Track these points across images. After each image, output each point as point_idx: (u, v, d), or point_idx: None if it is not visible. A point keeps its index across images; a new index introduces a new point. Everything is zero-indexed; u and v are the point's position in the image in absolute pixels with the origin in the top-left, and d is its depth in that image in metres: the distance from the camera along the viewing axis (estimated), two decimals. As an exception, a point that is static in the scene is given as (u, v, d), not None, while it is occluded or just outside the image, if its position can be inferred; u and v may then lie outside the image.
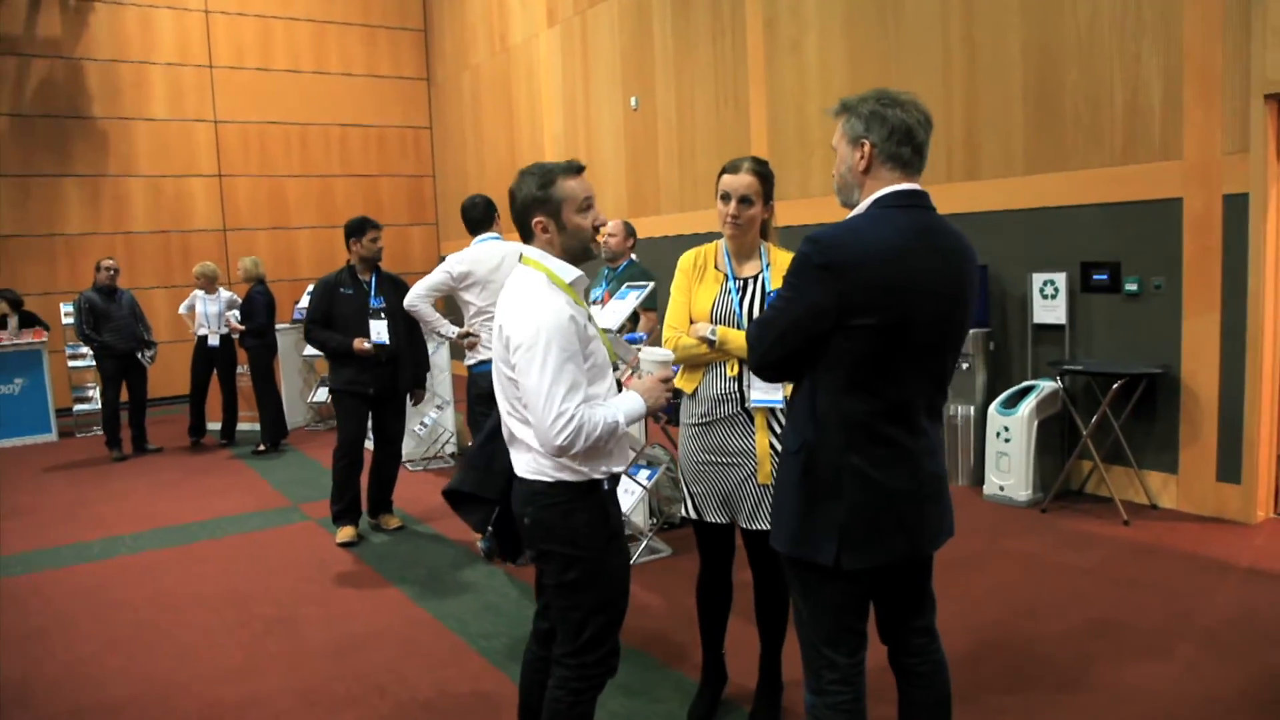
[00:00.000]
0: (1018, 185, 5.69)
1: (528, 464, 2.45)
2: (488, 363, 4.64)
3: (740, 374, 2.87)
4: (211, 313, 8.29)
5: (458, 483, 2.60)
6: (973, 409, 5.75)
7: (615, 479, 2.51)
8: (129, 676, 3.71)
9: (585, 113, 9.55)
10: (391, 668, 3.67)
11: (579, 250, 2.45)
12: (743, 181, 2.86)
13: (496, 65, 11.17)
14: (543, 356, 2.24)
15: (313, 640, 3.98)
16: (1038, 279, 5.59)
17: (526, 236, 2.44)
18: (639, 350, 2.61)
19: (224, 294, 8.42)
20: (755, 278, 2.92)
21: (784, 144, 7.17)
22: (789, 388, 2.69)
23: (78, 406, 9.51)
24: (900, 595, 2.27)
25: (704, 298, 2.93)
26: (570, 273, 2.43)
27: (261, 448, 8.15)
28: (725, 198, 2.89)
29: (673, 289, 3.07)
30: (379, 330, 5.14)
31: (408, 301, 4.86)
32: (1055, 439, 5.44)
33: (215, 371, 8.38)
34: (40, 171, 10.58)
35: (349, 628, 4.08)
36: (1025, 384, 5.54)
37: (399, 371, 5.31)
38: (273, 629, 4.12)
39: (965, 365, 5.75)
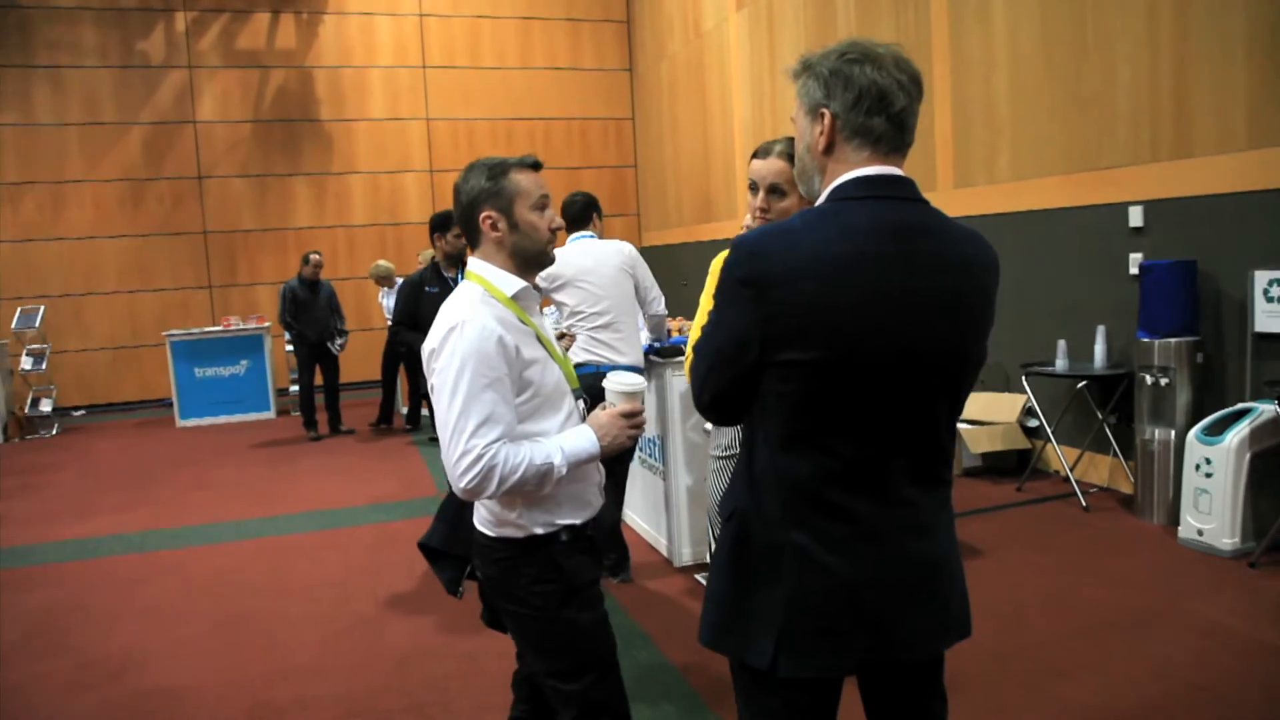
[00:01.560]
0: (1238, 163, 4.67)
1: (477, 513, 2.17)
2: (585, 366, 4.39)
3: None
4: (391, 305, 8.65)
5: (427, 536, 2.34)
6: (1172, 433, 4.81)
7: (577, 531, 2.17)
8: (207, 663, 3.80)
9: (772, 97, 9.07)
10: (443, 686, 3.51)
11: (532, 253, 2.12)
12: (773, 168, 2.39)
13: (690, 53, 10.89)
14: (454, 382, 1.93)
15: (385, 645, 3.90)
16: (1261, 278, 4.56)
17: (473, 239, 2.14)
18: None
19: (403, 287, 8.75)
20: None
21: (968, 122, 6.39)
22: None
23: (293, 388, 10.30)
24: (889, 710, 1.72)
25: None
26: (513, 284, 2.11)
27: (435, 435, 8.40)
28: (753, 187, 2.45)
29: (702, 296, 2.66)
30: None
31: None
32: (1274, 477, 4.42)
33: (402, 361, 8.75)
34: (275, 171, 11.53)
35: (422, 637, 3.97)
36: (1239, 406, 4.53)
37: None
38: (355, 628, 4.10)
39: (1165, 381, 4.82)
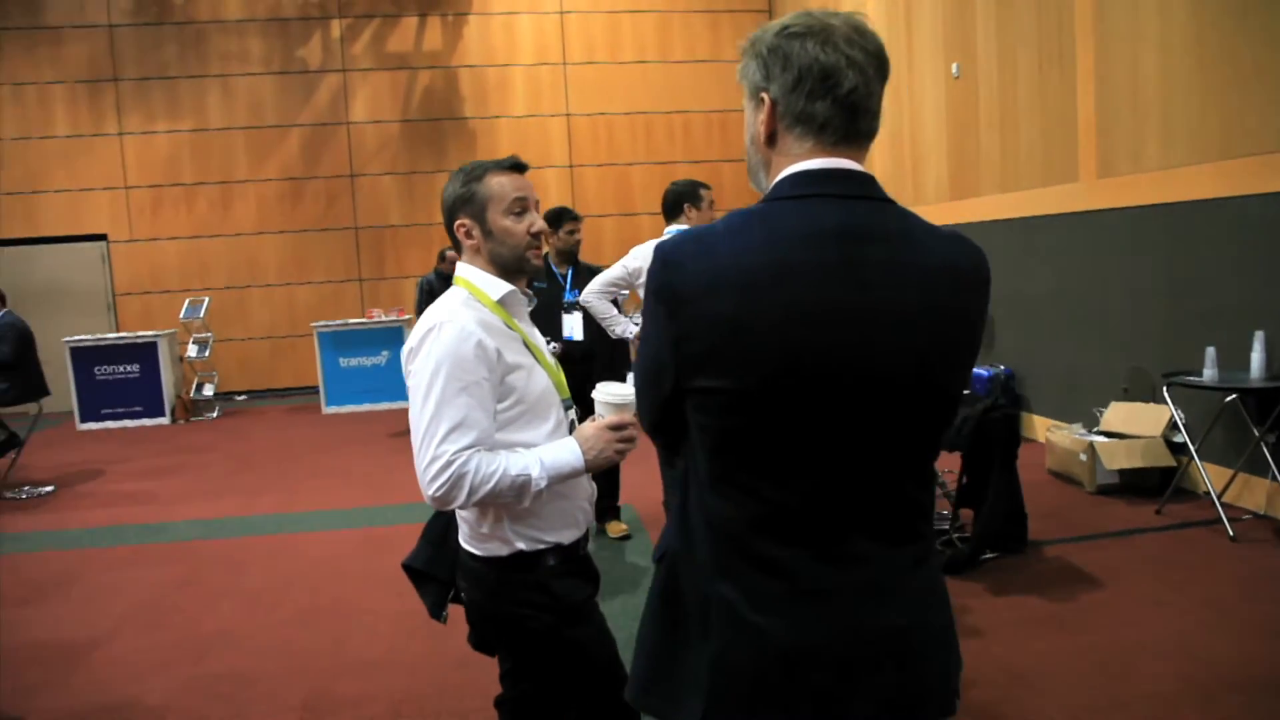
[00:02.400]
0: None
1: (461, 530, 2.09)
2: None
3: None
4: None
5: (411, 557, 2.27)
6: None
7: (566, 552, 2.04)
8: (282, 650, 3.90)
9: (908, 85, 8.60)
10: (490, 694, 3.45)
11: (509, 261, 2.01)
12: None
13: (831, 40, 10.50)
14: (428, 385, 1.85)
15: (450, 646, 3.87)
16: None
17: (457, 246, 2.06)
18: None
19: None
20: None
21: (1113, 106, 5.81)
22: None
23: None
24: None
25: None
26: (499, 288, 2.01)
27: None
28: None
29: None
30: (571, 325, 4.94)
31: (583, 297, 4.63)
32: None
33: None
34: (421, 169, 11.91)
35: (489, 635, 3.94)
36: None
37: (593, 369, 5.09)
38: (426, 626, 4.06)
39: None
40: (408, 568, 2.26)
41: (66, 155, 11.52)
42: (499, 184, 1.98)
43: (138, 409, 10.37)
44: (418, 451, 1.86)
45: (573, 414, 2.11)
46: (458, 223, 2.00)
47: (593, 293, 4.58)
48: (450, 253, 8.75)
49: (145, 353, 10.38)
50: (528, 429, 1.97)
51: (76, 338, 10.36)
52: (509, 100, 11.99)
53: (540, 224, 2.02)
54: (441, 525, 2.17)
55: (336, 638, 4.00)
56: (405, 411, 6.46)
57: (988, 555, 4.46)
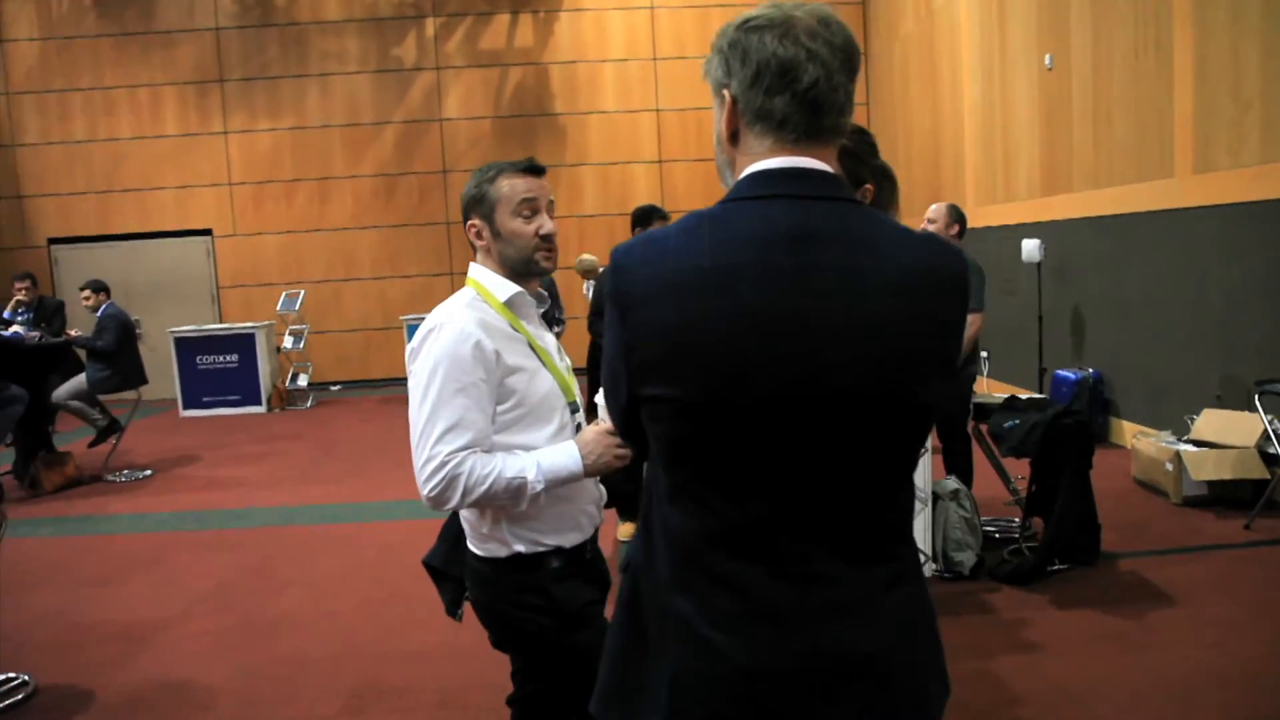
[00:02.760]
0: None
1: (465, 530, 2.10)
2: None
3: None
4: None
5: (430, 555, 2.29)
6: None
7: (569, 555, 2.03)
8: (340, 637, 4.01)
9: (1001, 77, 8.29)
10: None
11: (517, 262, 2.01)
12: None
13: (922, 32, 10.20)
14: (425, 385, 1.88)
15: (497, 637, 3.95)
16: None
17: (473, 247, 2.07)
18: None
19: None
20: None
21: (1213, 97, 5.47)
22: None
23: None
24: None
25: None
26: (506, 289, 2.02)
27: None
28: None
29: None
30: None
31: None
32: None
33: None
34: (511, 165, 12.09)
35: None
36: None
37: None
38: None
39: None
40: (427, 565, 2.29)
41: (176, 154, 12.09)
42: (510, 185, 1.98)
43: (236, 397, 10.82)
44: (415, 451, 1.88)
45: (579, 418, 2.10)
46: (469, 223, 2.02)
47: None
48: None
49: (244, 343, 10.82)
50: (529, 431, 1.96)
51: (180, 328, 10.87)
52: (599, 96, 12.05)
53: (549, 226, 2.00)
54: (458, 524, 2.19)
55: (390, 627, 4.10)
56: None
57: (1056, 566, 4.28)
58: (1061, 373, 7.08)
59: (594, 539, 2.12)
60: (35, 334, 7.48)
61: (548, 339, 2.12)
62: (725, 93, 1.27)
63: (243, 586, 4.73)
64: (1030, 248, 7.13)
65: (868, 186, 2.10)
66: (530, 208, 1.98)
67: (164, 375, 10.89)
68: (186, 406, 10.81)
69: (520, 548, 1.97)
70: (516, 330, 1.99)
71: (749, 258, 1.18)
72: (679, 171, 12.15)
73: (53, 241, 12.34)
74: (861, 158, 2.09)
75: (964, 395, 4.83)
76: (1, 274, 10.87)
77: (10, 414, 7.03)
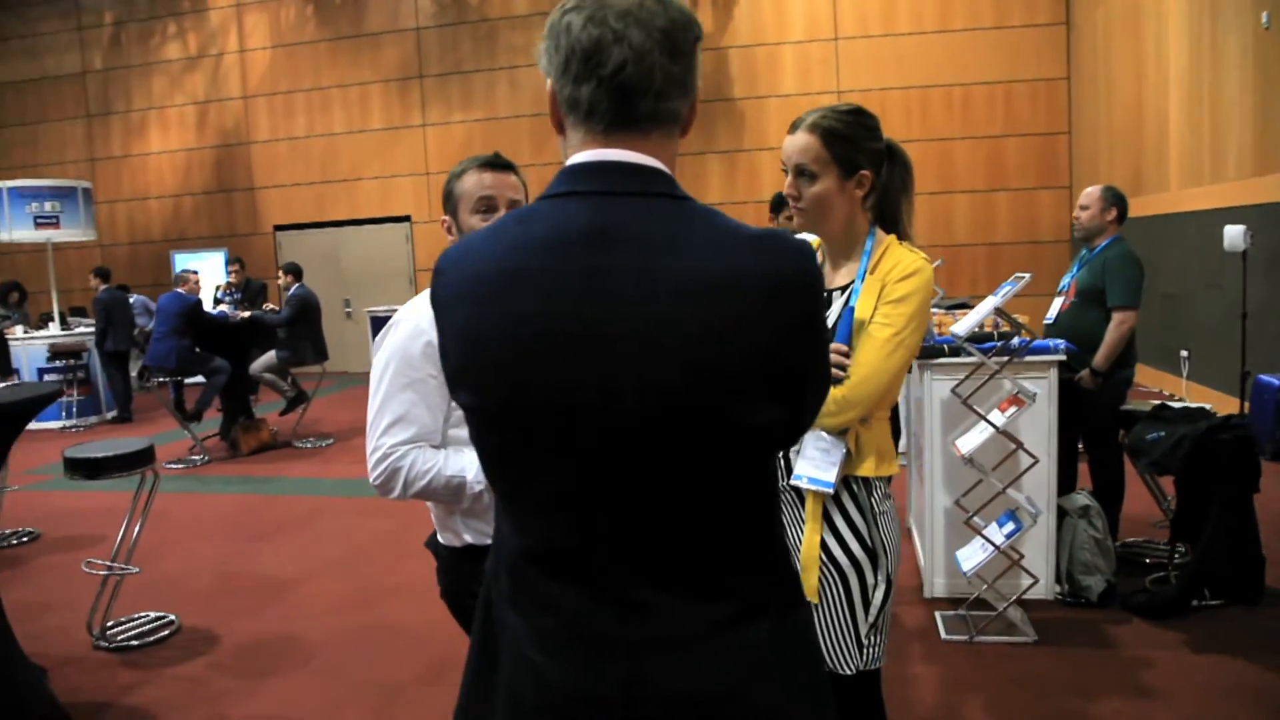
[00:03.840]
0: None
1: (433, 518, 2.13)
2: None
3: None
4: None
5: (431, 537, 2.34)
6: None
7: None
8: (435, 609, 4.18)
9: (1211, 42, 7.40)
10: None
11: None
12: (798, 144, 1.97)
13: (1129, -3, 9.28)
14: (378, 379, 1.95)
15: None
16: None
17: None
18: None
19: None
20: (845, 289, 2.03)
21: None
22: (855, 465, 1.94)
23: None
24: None
25: None
26: None
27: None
28: (786, 171, 2.06)
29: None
30: None
31: None
32: None
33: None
34: (690, 150, 12.09)
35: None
36: None
37: None
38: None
39: None
40: (429, 546, 2.35)
41: (380, 146, 12.96)
42: (472, 182, 1.99)
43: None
44: (367, 441, 1.93)
45: None
46: (443, 218, 2.04)
47: None
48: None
49: (433, 324, 11.47)
50: None
51: (375, 308, 11.68)
52: (778, 79, 11.82)
53: None
54: None
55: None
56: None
57: (1205, 601, 3.80)
58: (1266, 378, 6.27)
59: None
60: (240, 313, 8.28)
61: None
62: (549, 83, 1.20)
63: (372, 553, 5.03)
64: (1233, 235, 6.33)
65: (864, 173, 1.95)
66: (487, 204, 1.98)
67: (363, 352, 11.77)
68: (382, 382, 11.59)
69: (469, 538, 2.00)
70: None
71: (539, 261, 1.11)
72: (862, 155, 11.72)
73: (277, 228, 13.58)
74: (854, 141, 1.94)
75: (1113, 402, 4.38)
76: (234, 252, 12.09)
77: (215, 383, 7.83)
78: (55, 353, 9.53)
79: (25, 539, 5.56)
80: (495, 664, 1.29)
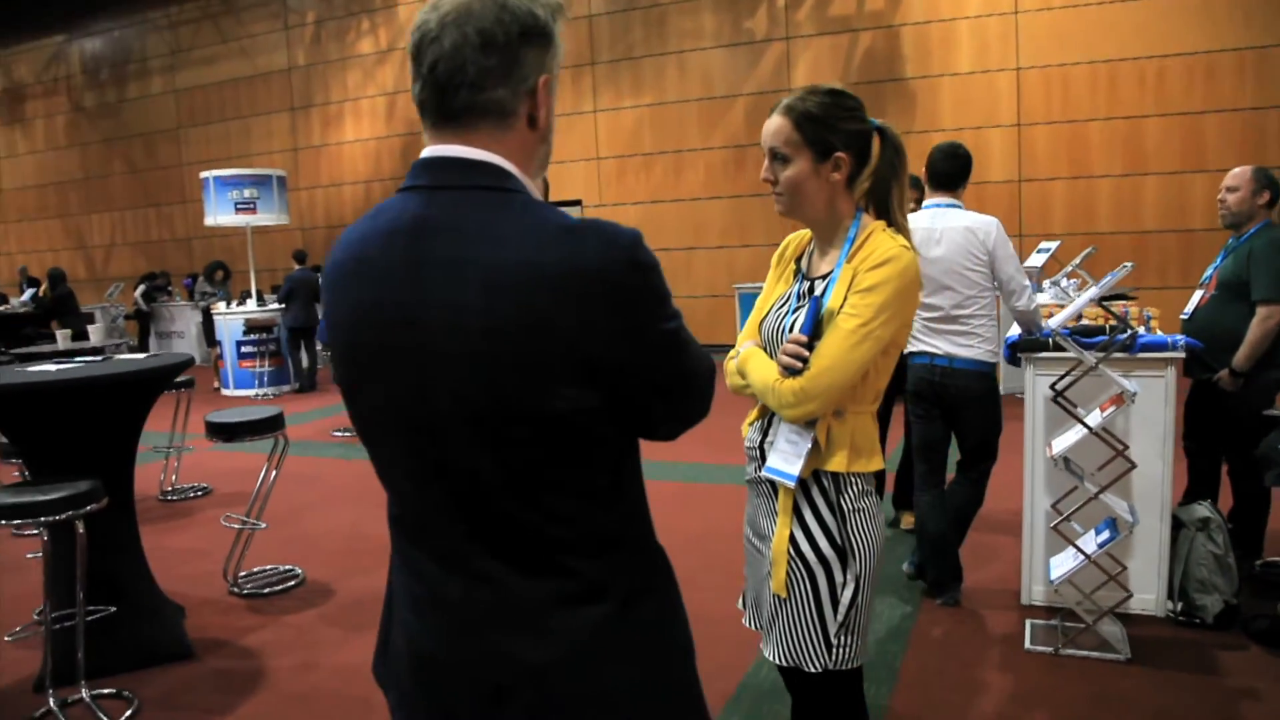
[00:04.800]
0: None
1: None
2: (918, 355, 3.90)
3: (764, 420, 2.03)
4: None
5: None
6: None
7: None
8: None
9: None
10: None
11: None
12: (770, 128, 1.94)
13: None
14: None
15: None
16: None
17: None
18: None
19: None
20: (827, 277, 1.99)
21: None
22: (824, 459, 1.91)
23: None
24: None
25: (769, 302, 2.10)
26: None
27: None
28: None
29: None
30: None
31: None
32: None
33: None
34: (856, 133, 11.80)
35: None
36: None
37: None
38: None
39: None
40: None
41: (555, 131, 13.39)
42: None
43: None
44: None
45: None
46: None
47: None
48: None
49: (595, 306, 11.81)
50: None
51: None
52: (952, 57, 11.30)
53: None
54: None
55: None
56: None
57: (1343, 630, 3.42)
58: None
59: None
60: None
61: None
62: None
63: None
64: None
65: (839, 155, 1.89)
66: None
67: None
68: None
69: None
70: None
71: (375, 251, 1.19)
72: (1040, 136, 11.01)
73: (460, 212, 14.34)
74: (826, 123, 1.88)
75: (1257, 405, 3.98)
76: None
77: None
78: (250, 327, 10.52)
79: (199, 494, 6.25)
80: (391, 619, 1.41)
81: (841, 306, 1.85)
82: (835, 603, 1.90)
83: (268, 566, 4.61)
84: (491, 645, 1.21)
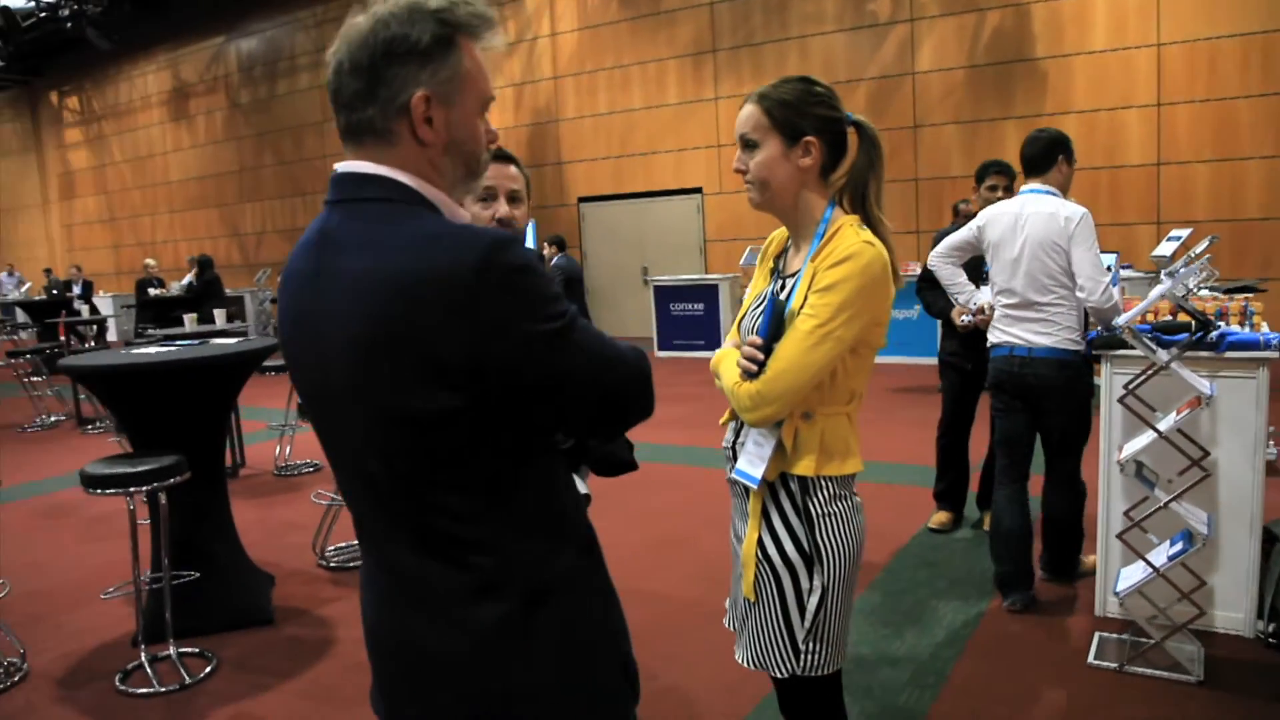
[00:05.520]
0: None
1: None
2: (1002, 346, 3.78)
3: (738, 421, 2.01)
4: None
5: None
6: None
7: None
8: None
9: None
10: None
11: None
12: (740, 116, 1.92)
13: None
14: None
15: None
16: None
17: None
18: None
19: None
20: (797, 275, 1.95)
21: None
22: (792, 462, 1.88)
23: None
24: None
25: (750, 301, 2.09)
26: None
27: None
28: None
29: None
30: (987, 295, 4.18)
31: (930, 259, 4.18)
32: None
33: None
34: (986, 116, 11.34)
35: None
36: None
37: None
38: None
39: None
40: None
41: (675, 120, 13.44)
42: None
43: (700, 342, 11.88)
44: None
45: None
46: None
47: (938, 255, 4.15)
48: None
49: (709, 294, 11.80)
50: None
51: (659, 278, 12.22)
52: (1087, 34, 10.68)
53: (504, 211, 2.13)
54: None
55: (647, 571, 4.44)
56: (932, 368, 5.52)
57: None
58: None
59: None
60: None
61: None
62: None
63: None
64: None
65: (809, 139, 1.86)
66: (488, 192, 2.13)
67: (646, 319, 12.39)
68: (660, 348, 12.15)
69: None
70: None
71: (296, 263, 1.28)
72: (1181, 116, 10.27)
73: (581, 200, 14.57)
74: (796, 106, 1.86)
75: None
76: (546, 227, 13.18)
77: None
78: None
79: (310, 469, 6.63)
80: None
81: (802, 306, 1.81)
82: (802, 609, 1.87)
83: (354, 541, 4.86)
84: (408, 631, 1.29)
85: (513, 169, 2.17)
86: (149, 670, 3.49)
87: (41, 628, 4.07)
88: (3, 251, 24.63)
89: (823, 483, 1.86)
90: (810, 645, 1.88)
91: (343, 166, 1.26)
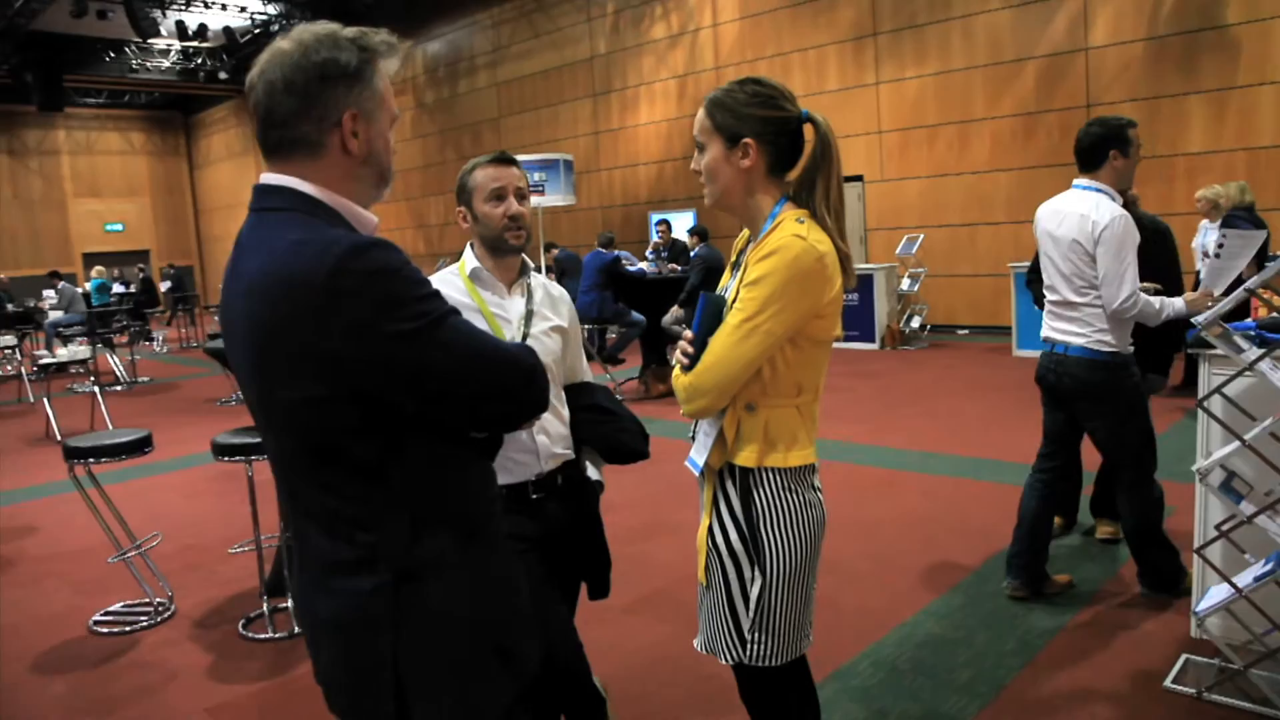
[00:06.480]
0: None
1: None
2: (1045, 343, 3.79)
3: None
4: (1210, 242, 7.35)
5: None
6: None
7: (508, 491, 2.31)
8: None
9: None
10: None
11: (491, 240, 2.39)
12: (697, 118, 1.99)
13: None
14: None
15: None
16: None
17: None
18: None
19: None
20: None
21: None
22: (734, 453, 1.95)
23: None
24: None
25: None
26: (471, 263, 2.40)
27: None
28: None
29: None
30: None
31: None
32: None
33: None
34: (1167, 92, 10.51)
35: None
36: None
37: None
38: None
39: None
40: None
41: (836, 106, 13.20)
42: (483, 175, 2.35)
43: (854, 333, 11.68)
44: None
45: None
46: (458, 209, 2.43)
47: None
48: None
49: (864, 284, 11.57)
50: None
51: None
52: (1290, -4, 9.70)
53: (515, 209, 2.31)
54: None
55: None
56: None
57: None
58: None
59: (543, 483, 2.33)
60: (658, 269, 9.27)
61: (510, 310, 2.39)
62: None
63: (655, 500, 5.54)
64: None
65: (746, 140, 1.91)
66: (498, 193, 2.32)
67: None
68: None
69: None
70: (471, 297, 2.35)
71: (228, 267, 1.47)
72: None
73: (740, 189, 14.59)
74: (732, 109, 1.91)
75: None
76: (701, 218, 13.31)
77: (628, 334, 8.92)
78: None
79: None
80: None
81: (733, 301, 1.87)
82: (746, 599, 1.93)
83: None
84: (306, 596, 1.49)
85: (516, 170, 2.36)
86: (268, 618, 3.96)
87: (195, 575, 4.71)
88: (211, 245, 27.25)
89: (766, 474, 1.90)
90: (756, 636, 1.94)
91: (263, 178, 1.42)
